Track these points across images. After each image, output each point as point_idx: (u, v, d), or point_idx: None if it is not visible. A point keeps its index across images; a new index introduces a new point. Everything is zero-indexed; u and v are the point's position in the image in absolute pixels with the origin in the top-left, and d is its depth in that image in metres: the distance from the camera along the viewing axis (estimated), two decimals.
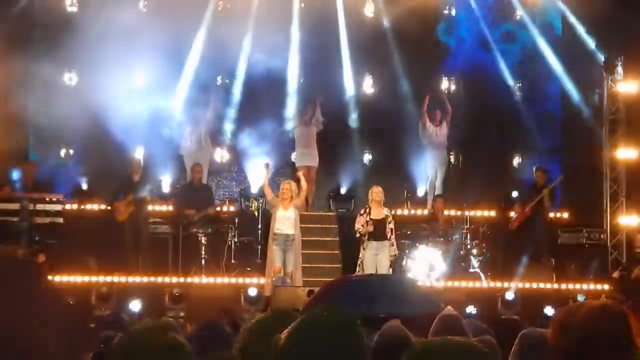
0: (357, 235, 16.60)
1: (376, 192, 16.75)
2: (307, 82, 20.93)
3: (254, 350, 3.59)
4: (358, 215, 16.89)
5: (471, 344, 3.43)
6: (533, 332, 5.65)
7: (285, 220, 16.05)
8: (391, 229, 16.55)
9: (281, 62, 20.80)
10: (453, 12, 21.06)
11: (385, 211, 16.69)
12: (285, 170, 20.91)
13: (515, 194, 19.48)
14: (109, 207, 18.12)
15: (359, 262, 16.47)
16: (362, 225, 16.46)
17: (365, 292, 9.71)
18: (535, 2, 20.44)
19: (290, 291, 14.81)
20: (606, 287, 17.23)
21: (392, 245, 16.49)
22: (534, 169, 19.04)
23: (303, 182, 16.64)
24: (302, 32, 20.65)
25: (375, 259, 16.33)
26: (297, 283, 15.74)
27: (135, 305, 15.67)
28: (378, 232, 16.43)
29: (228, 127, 20.56)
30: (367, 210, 16.64)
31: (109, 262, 17.00)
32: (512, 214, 18.67)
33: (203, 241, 17.46)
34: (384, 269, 16.27)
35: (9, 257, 3.30)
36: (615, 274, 18.05)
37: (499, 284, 17.25)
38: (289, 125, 19.88)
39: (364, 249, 16.44)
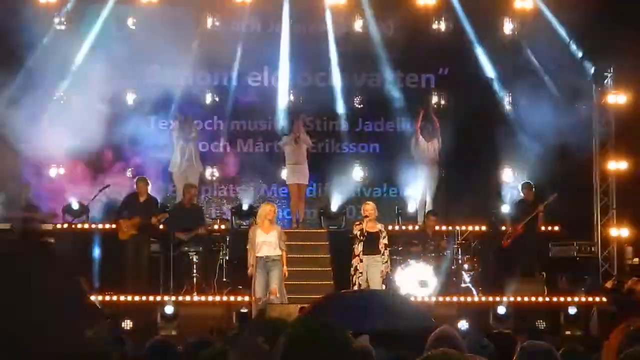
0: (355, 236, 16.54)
1: (367, 210, 16.69)
2: (297, 99, 21.01)
3: None
4: (353, 224, 16.88)
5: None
6: (532, 344, 5.65)
7: (267, 244, 15.90)
8: (385, 244, 16.50)
9: (271, 80, 20.89)
10: (442, 27, 21.01)
11: (378, 226, 16.65)
12: (275, 187, 20.93)
13: (505, 208, 19.43)
14: (113, 225, 18.09)
15: (352, 271, 16.38)
16: (361, 229, 16.39)
17: (355, 308, 9.72)
18: (525, 15, 20.46)
19: (281, 308, 14.78)
20: (597, 299, 17.24)
21: (385, 262, 16.42)
22: (521, 185, 19.00)
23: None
24: (291, 49, 20.71)
25: (365, 273, 16.30)
26: (283, 300, 15.69)
27: (127, 324, 15.64)
28: (369, 246, 16.38)
29: (218, 144, 20.61)
30: (362, 222, 16.58)
31: (102, 281, 16.96)
32: (503, 228, 18.62)
33: (194, 260, 17.41)
34: (375, 283, 16.19)
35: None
36: (609, 284, 18.06)
37: (490, 299, 17.24)
38: (280, 142, 19.83)
39: (361, 260, 16.35)
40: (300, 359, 3.08)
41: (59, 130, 18.27)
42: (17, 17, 19.07)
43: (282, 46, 20.67)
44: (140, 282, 17.47)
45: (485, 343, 6.46)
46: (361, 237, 16.34)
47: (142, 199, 17.96)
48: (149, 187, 18.15)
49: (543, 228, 18.83)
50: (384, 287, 16.38)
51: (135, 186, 18.21)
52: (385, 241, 16.52)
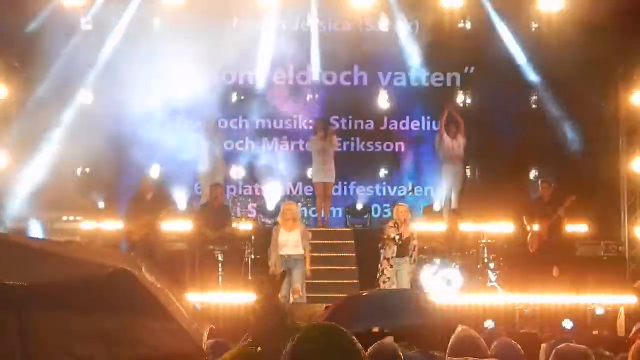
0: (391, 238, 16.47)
1: (402, 212, 16.62)
2: (324, 99, 21.03)
3: None
4: (388, 226, 16.77)
5: None
6: (569, 347, 5.60)
7: (289, 243, 15.92)
8: (414, 246, 16.46)
9: (296, 78, 20.91)
10: (469, 26, 20.94)
11: (410, 229, 16.60)
12: (300, 186, 20.93)
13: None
14: (123, 227, 18.11)
15: (379, 275, 16.34)
16: (400, 234, 16.30)
17: (378, 307, 9.71)
18: (551, 13, 20.35)
19: (306, 308, 14.78)
20: (624, 299, 17.12)
21: (413, 263, 16.39)
22: (540, 182, 18.88)
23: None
24: (317, 48, 20.75)
25: (395, 275, 16.26)
26: (303, 299, 15.70)
27: None
28: (402, 249, 16.34)
29: (244, 144, 20.67)
30: (396, 224, 16.49)
31: None
32: (528, 228, 18.50)
33: (220, 258, 17.44)
34: (405, 284, 16.18)
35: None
36: (638, 285, 17.95)
37: (517, 298, 17.16)
38: (308, 142, 19.79)
39: (391, 266, 16.30)
40: None
41: (85, 131, 18.34)
42: (44, 18, 19.18)
43: (308, 45, 20.68)
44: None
45: (509, 345, 6.43)
46: (398, 242, 16.28)
47: (148, 197, 17.97)
48: (152, 185, 18.18)
49: (570, 228, 18.71)
50: (410, 287, 16.35)
51: (140, 185, 18.27)
52: (416, 243, 16.50)
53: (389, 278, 16.18)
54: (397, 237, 16.31)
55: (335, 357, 3.07)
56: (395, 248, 16.27)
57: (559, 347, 5.74)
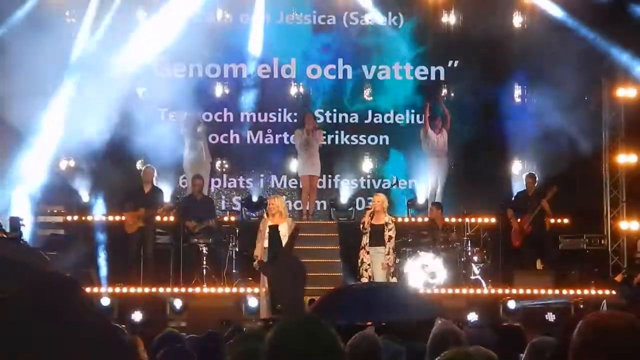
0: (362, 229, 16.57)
1: (377, 201, 16.68)
2: (308, 92, 21.05)
3: None
4: (363, 214, 16.90)
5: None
6: (543, 341, 5.63)
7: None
8: (390, 236, 16.43)
9: (280, 71, 20.91)
10: (452, 20, 20.98)
11: (386, 218, 16.60)
12: (284, 179, 20.93)
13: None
14: (121, 217, 18.04)
15: (359, 263, 16.39)
16: (363, 222, 16.44)
17: (363, 300, 9.77)
18: (534, 8, 20.40)
19: None
20: (607, 292, 17.19)
21: (388, 254, 16.33)
22: (525, 176, 18.96)
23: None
24: (301, 41, 20.78)
25: (371, 264, 16.31)
26: None
27: (136, 316, 15.66)
28: (375, 238, 16.36)
29: (228, 137, 20.66)
30: (371, 213, 16.56)
31: (110, 273, 16.97)
32: (511, 221, 18.57)
33: (204, 251, 17.41)
34: (378, 276, 16.15)
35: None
36: (618, 278, 18.03)
37: (500, 291, 17.22)
38: (293, 136, 19.78)
39: (367, 252, 16.35)
40: (285, 357, 3.11)
41: (69, 123, 18.31)
42: (28, 10, 19.13)
43: (292, 38, 20.71)
44: (145, 274, 17.46)
45: (485, 337, 6.45)
46: (363, 230, 16.37)
47: (147, 189, 17.93)
48: (155, 176, 18.13)
49: (553, 221, 18.77)
50: (394, 279, 16.38)
51: (142, 175, 18.23)
52: (391, 233, 16.40)
53: (369, 265, 16.24)
54: (361, 225, 16.40)
55: (313, 349, 3.09)
56: (366, 236, 16.35)
57: (533, 340, 5.78)
